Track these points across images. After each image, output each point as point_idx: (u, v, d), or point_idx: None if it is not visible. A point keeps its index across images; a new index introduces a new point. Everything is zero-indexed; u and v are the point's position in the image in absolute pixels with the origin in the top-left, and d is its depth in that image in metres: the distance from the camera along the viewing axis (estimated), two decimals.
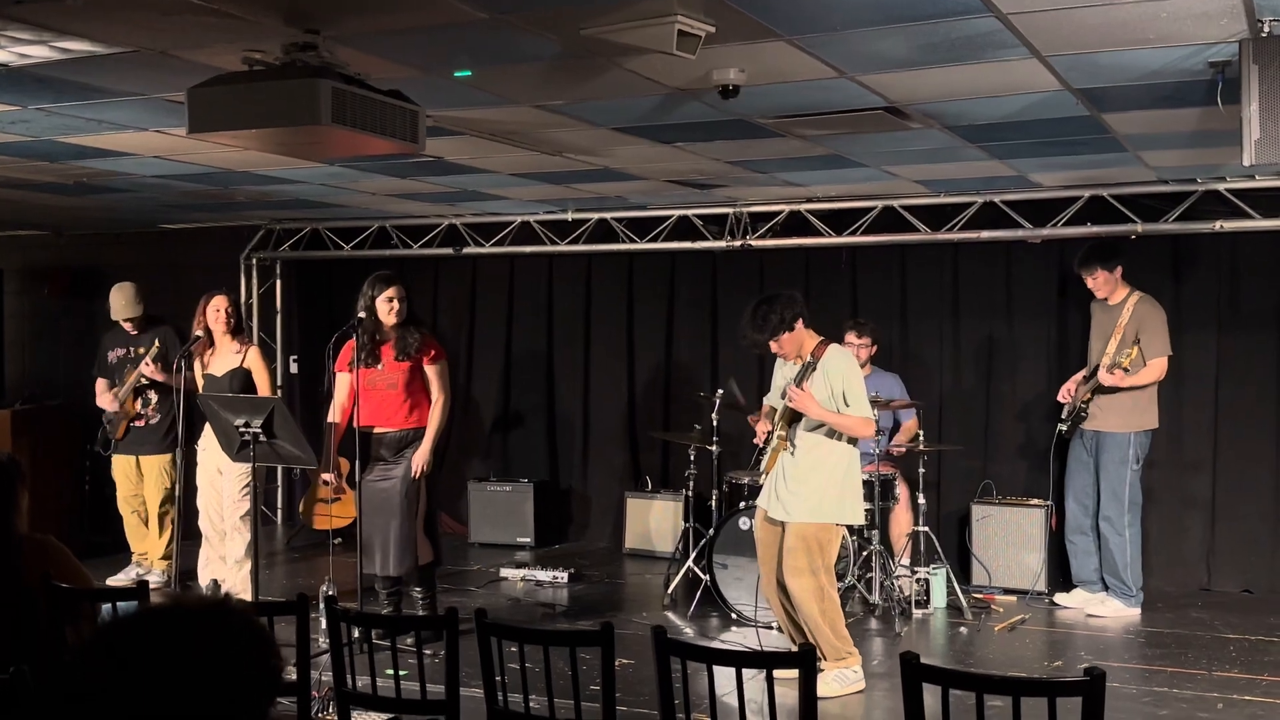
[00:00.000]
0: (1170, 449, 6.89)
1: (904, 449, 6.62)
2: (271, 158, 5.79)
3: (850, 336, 6.74)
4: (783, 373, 5.02)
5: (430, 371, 5.64)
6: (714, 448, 6.71)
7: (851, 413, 4.79)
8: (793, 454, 4.92)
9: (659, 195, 7.41)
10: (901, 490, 6.59)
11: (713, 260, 8.07)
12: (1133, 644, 5.79)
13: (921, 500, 6.38)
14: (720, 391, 6.82)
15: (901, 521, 6.62)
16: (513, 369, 8.76)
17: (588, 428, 8.54)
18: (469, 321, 8.86)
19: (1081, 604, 6.36)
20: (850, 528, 5.80)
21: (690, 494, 6.97)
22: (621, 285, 8.42)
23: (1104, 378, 6.16)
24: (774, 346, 4.92)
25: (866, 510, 6.21)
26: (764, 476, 5.10)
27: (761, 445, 5.06)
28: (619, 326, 8.44)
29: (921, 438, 6.44)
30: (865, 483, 6.13)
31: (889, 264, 7.67)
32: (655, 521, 7.86)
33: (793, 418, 4.90)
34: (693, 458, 6.98)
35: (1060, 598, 6.47)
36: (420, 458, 5.55)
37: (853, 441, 4.94)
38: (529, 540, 8.13)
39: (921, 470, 6.38)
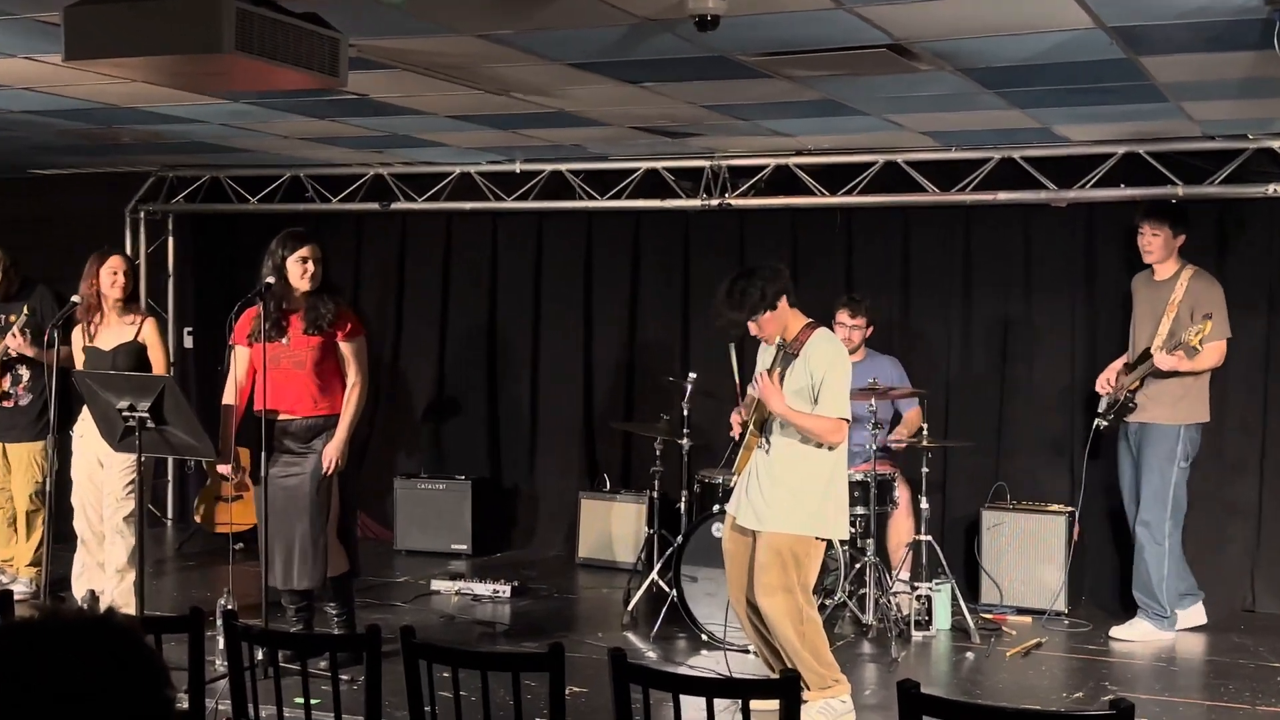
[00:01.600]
0: (1210, 447, 6.94)
1: (904, 443, 6.66)
2: (164, 91, 5.73)
3: (843, 316, 6.76)
4: (765, 356, 5.05)
5: (345, 349, 5.62)
6: (684, 441, 6.74)
7: (821, 411, 4.81)
8: (767, 452, 4.94)
9: (623, 144, 7.39)
10: (902, 493, 6.63)
11: (685, 222, 8.09)
12: (1164, 673, 5.86)
13: (924, 505, 6.42)
14: (692, 376, 6.84)
15: (901, 529, 6.67)
16: (449, 346, 8.74)
17: (536, 416, 8.56)
18: (397, 290, 8.84)
19: (1143, 636, 6.29)
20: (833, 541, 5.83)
21: (656, 495, 7.01)
22: (578, 249, 8.41)
23: (1162, 360, 6.14)
24: (753, 328, 4.94)
25: (860, 516, 6.28)
26: (736, 477, 5.12)
27: (736, 439, 5.08)
28: (575, 298, 8.43)
29: (925, 431, 6.48)
30: (860, 484, 6.26)
31: (890, 229, 7.70)
32: (615, 526, 7.88)
33: (768, 410, 4.94)
34: (659, 452, 7.00)
35: (1119, 632, 6.38)
36: (333, 450, 5.52)
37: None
38: (465, 548, 8.13)
39: (925, 470, 6.42)
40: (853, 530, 6.14)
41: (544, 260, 8.52)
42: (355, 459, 5.75)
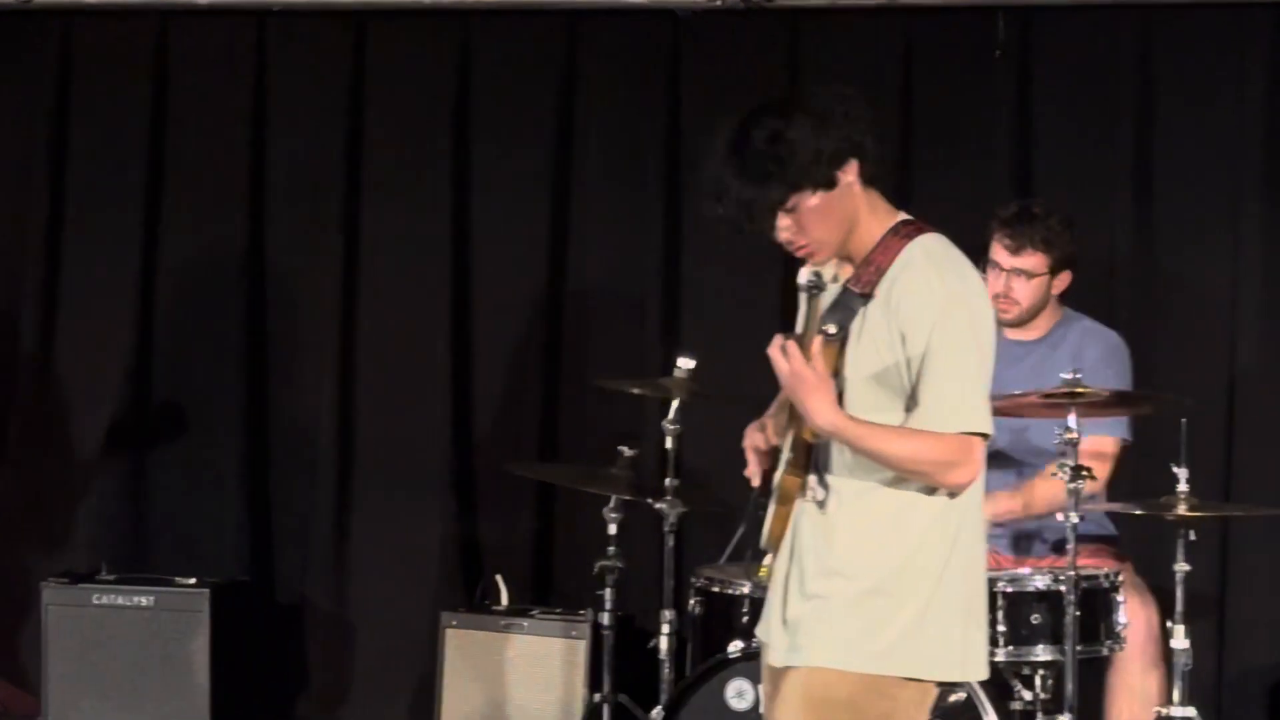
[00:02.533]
0: None
1: (1122, 507, 6.76)
2: None
3: (1001, 249, 6.93)
4: (806, 302, 4.94)
5: None
6: (666, 505, 6.79)
7: (922, 418, 4.72)
8: (822, 507, 4.88)
9: None
10: (1135, 617, 6.65)
11: (672, 33, 8.22)
12: None
13: (1181, 641, 6.44)
14: (684, 364, 6.75)
15: (1131, 693, 6.74)
16: (162, 303, 8.78)
17: (351, 450, 8.67)
18: (51, 180, 8.88)
19: None
20: (949, 688, 5.72)
21: (607, 621, 7.09)
22: (443, 87, 8.55)
23: None
24: (783, 226, 4.80)
25: (1043, 665, 6.37)
26: (765, 566, 5.03)
27: (757, 494, 5.00)
28: (435, 199, 8.58)
29: (1183, 482, 6.39)
30: (1041, 597, 6.36)
31: (1110, 54, 7.85)
32: (519, 686, 7.90)
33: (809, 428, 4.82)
34: (614, 530, 6.96)
35: None
36: None
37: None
38: None
39: (1182, 567, 6.42)
40: (1026, 696, 6.27)
41: (366, 110, 8.61)
42: None
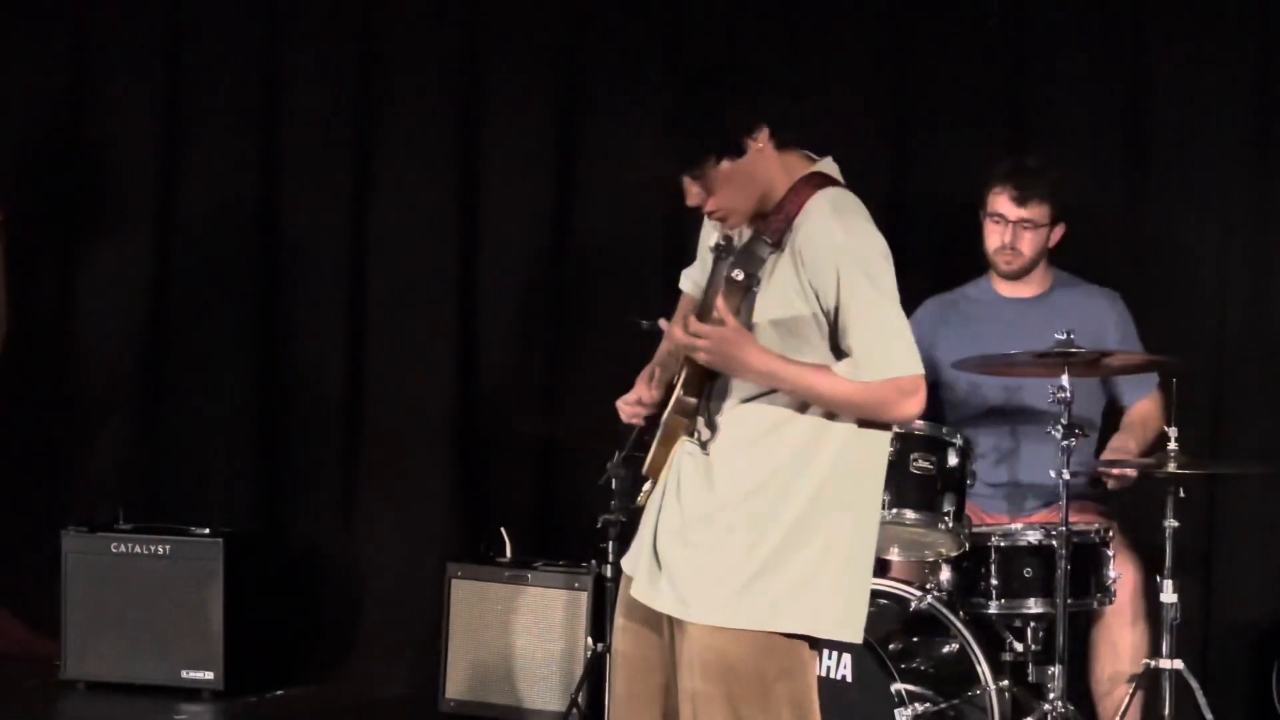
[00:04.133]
0: None
1: (1129, 467, 6.74)
2: None
3: (1001, 200, 6.88)
4: (710, 255, 4.87)
5: None
6: None
7: (858, 367, 4.64)
8: (704, 445, 4.89)
9: None
10: (1124, 570, 6.67)
11: None
12: None
13: (1169, 595, 6.48)
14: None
15: (1120, 646, 6.74)
16: (176, 251, 8.83)
17: (361, 402, 8.70)
18: (69, 126, 8.83)
19: None
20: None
21: (609, 572, 7.08)
22: (452, 46, 8.54)
23: None
24: (693, 194, 4.76)
25: (1034, 618, 6.41)
26: (646, 491, 4.98)
27: (638, 424, 4.99)
28: (441, 150, 8.58)
29: (1173, 444, 6.50)
30: (1032, 551, 6.38)
31: (1101, 10, 7.78)
32: (523, 637, 7.93)
33: (706, 369, 4.76)
34: (616, 483, 6.97)
35: None
36: None
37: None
38: (211, 677, 8.14)
39: (1170, 523, 6.48)
40: (1018, 648, 6.28)
41: (378, 70, 8.62)
42: None
